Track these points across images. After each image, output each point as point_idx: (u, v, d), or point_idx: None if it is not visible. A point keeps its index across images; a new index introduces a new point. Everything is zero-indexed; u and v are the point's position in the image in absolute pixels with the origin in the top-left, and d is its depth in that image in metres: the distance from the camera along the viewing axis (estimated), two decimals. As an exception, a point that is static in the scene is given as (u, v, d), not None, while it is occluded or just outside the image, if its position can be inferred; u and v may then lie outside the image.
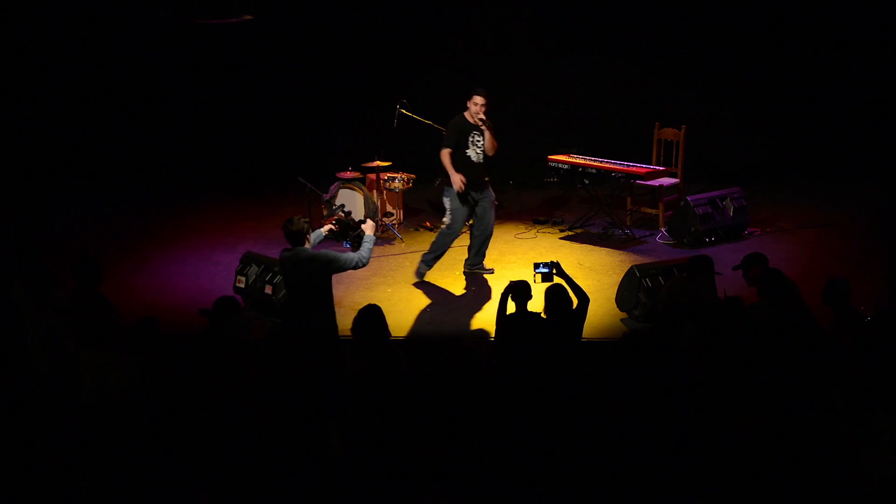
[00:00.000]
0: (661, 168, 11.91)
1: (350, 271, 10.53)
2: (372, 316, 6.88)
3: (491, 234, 10.43)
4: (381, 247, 11.44)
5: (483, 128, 9.97)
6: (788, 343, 7.07)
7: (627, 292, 9.34)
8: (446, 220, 10.25)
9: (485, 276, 10.52)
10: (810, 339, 7.31)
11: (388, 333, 6.95)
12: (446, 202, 10.20)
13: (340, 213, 8.51)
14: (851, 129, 13.53)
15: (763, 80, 13.69)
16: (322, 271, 7.77)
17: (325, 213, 12.01)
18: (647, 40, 13.67)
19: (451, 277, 10.54)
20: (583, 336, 7.64)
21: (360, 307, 6.99)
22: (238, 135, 14.35)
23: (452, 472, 6.36)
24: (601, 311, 9.27)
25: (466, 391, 6.46)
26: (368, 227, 8.44)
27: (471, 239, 10.53)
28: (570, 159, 12.18)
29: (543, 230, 12.06)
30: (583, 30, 13.74)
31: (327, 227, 8.50)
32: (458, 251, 11.27)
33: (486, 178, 10.33)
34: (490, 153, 10.13)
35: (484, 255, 10.56)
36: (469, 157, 10.05)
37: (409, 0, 13.85)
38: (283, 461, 5.99)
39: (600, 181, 12.15)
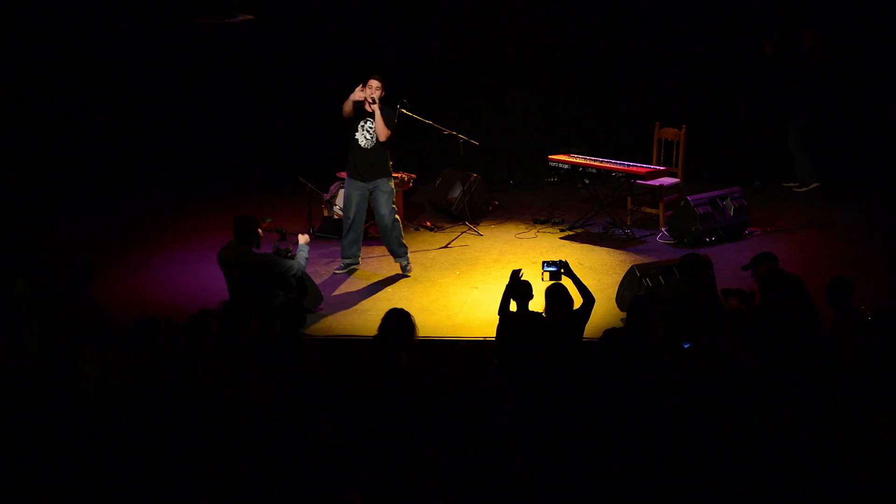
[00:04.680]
0: (661, 168, 11.90)
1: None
2: (404, 320, 6.98)
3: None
4: (382, 246, 11.44)
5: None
6: (788, 344, 7.06)
7: (628, 292, 9.34)
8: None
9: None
10: (810, 339, 7.31)
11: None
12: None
13: (278, 244, 8.94)
14: (851, 129, 13.51)
15: (763, 80, 13.65)
16: (265, 275, 8.30)
17: (325, 213, 11.99)
18: (647, 40, 13.64)
19: (451, 277, 10.55)
20: (584, 336, 7.64)
21: (388, 308, 7.20)
22: (238, 134, 14.33)
23: (454, 471, 6.36)
24: (601, 311, 9.25)
25: (467, 391, 6.46)
26: (303, 238, 9.05)
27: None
28: (571, 159, 12.18)
29: (543, 230, 12.05)
30: (583, 29, 13.72)
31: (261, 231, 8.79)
32: (459, 251, 11.27)
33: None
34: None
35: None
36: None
37: (410, 0, 13.84)
38: (284, 461, 5.99)
39: (600, 181, 12.15)
